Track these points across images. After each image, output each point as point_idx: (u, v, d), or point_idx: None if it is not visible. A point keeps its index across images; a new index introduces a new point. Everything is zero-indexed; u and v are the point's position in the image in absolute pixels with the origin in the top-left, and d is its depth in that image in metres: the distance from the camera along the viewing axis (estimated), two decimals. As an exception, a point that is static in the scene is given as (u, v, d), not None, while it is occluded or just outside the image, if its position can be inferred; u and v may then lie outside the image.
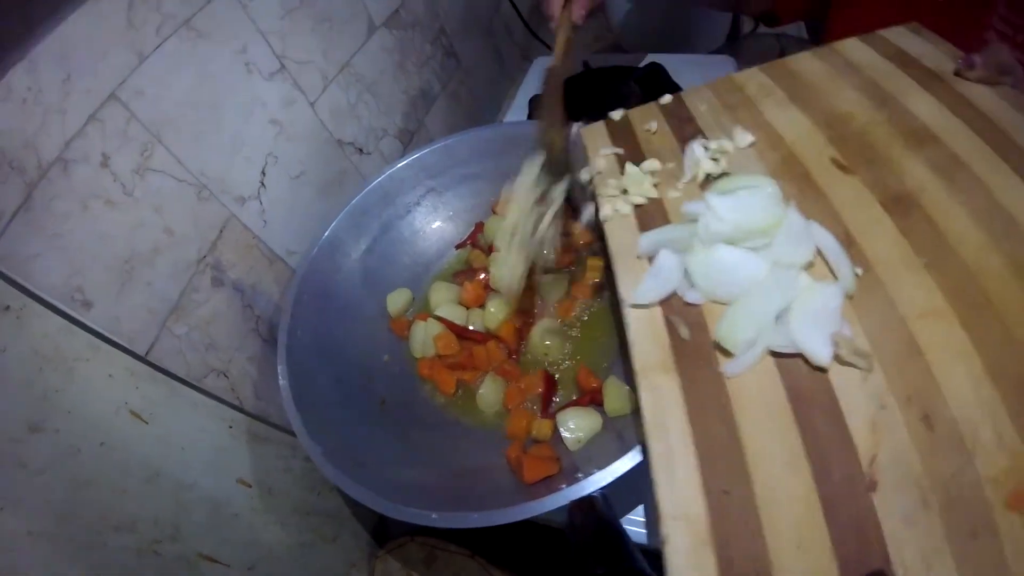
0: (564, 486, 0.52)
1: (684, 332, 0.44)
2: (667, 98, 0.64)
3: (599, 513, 0.49)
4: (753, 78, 0.60)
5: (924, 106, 0.50)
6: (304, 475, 0.77)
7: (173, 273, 0.61)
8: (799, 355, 0.40)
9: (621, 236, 0.52)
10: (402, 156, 0.82)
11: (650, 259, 0.48)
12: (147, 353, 0.57)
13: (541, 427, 0.65)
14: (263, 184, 0.72)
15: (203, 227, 0.64)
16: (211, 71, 0.64)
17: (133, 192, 0.56)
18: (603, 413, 0.64)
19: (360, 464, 0.61)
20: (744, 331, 0.41)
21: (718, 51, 1.20)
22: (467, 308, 0.78)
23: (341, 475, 0.57)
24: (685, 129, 0.58)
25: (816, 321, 0.40)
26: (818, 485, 0.35)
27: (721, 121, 0.57)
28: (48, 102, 0.49)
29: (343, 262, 0.79)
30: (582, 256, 0.79)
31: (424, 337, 0.75)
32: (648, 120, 0.61)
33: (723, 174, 0.53)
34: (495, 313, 0.74)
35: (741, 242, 0.45)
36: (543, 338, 0.72)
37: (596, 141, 0.62)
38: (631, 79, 0.99)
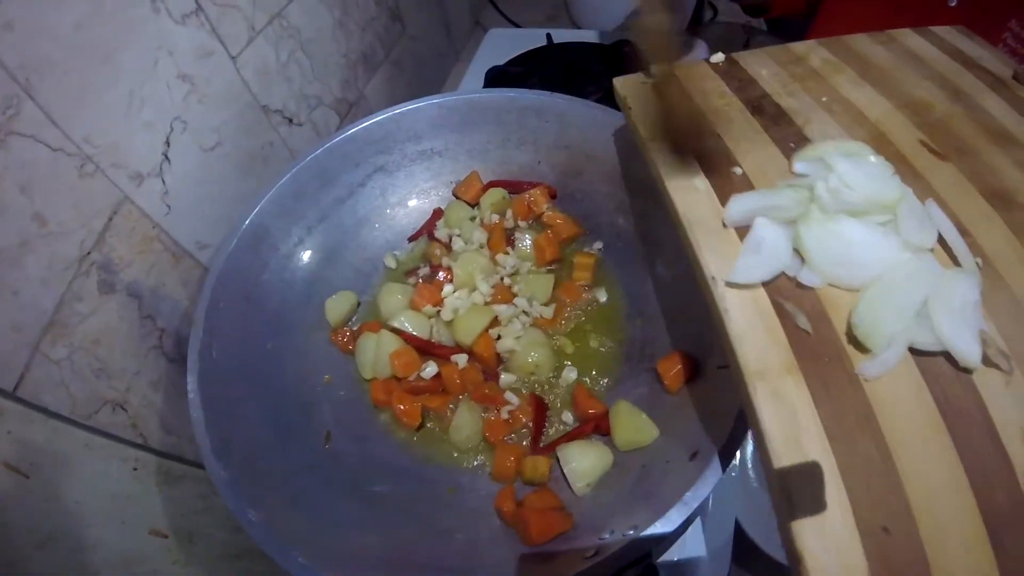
0: (593, 554, 0.42)
1: (803, 322, 0.37)
2: (719, 56, 0.58)
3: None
4: (814, 51, 0.56)
5: (996, 107, 0.49)
6: (228, 514, 0.65)
7: (47, 276, 0.49)
8: (940, 354, 0.35)
9: (695, 202, 0.44)
10: (343, 127, 0.70)
11: (738, 230, 0.42)
12: (16, 387, 0.46)
13: (535, 466, 0.54)
14: (167, 157, 0.60)
15: (87, 213, 0.53)
16: (105, 5, 0.51)
17: None
18: (611, 446, 0.55)
19: (310, 531, 0.49)
20: (887, 324, 0.35)
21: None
22: (430, 317, 0.66)
23: (288, 554, 0.45)
24: (749, 91, 0.53)
25: (962, 316, 0.35)
26: (982, 511, 0.31)
27: (790, 89, 0.52)
28: None
29: (270, 257, 0.65)
30: (567, 253, 0.70)
31: (376, 353, 0.63)
32: (703, 78, 0.55)
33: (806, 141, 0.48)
34: (468, 323, 0.62)
35: (865, 216, 0.40)
36: (529, 351, 0.61)
37: (639, 96, 0.55)
38: (599, 56, 0.94)
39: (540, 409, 0.59)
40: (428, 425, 0.61)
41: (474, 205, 0.74)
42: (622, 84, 0.57)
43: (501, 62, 0.94)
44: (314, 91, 0.80)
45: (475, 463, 0.58)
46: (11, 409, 0.46)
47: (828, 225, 0.40)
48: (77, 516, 0.51)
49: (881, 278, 0.38)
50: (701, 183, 0.45)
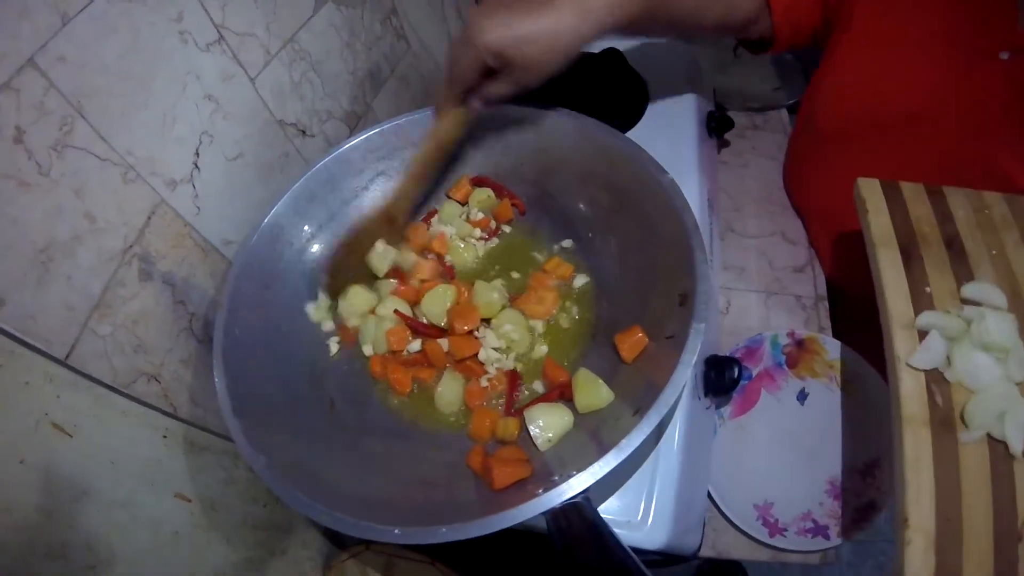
0: (540, 491, 0.49)
1: (939, 399, 0.59)
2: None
3: (587, 519, 0.47)
4: (998, 205, 0.70)
5: None
6: (249, 486, 0.72)
7: (95, 265, 0.55)
8: (1003, 442, 0.56)
9: (899, 303, 0.64)
10: (349, 137, 0.77)
11: (919, 332, 0.62)
12: (67, 356, 0.51)
13: (507, 426, 0.61)
14: (197, 166, 0.66)
15: (129, 213, 0.58)
16: (142, 39, 0.57)
17: (50, 172, 0.50)
18: (573, 409, 0.61)
19: (310, 476, 0.56)
20: (982, 416, 0.57)
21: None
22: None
23: (288, 489, 0.53)
24: (947, 227, 0.69)
25: (1020, 425, 0.55)
26: (995, 528, 0.52)
27: (974, 236, 0.68)
28: (-44, 68, 0.43)
29: (285, 251, 0.73)
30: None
31: (375, 333, 0.70)
32: (919, 203, 0.71)
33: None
34: (433, 302, 0.71)
35: (991, 351, 0.60)
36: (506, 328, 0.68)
37: (875, 199, 0.71)
38: (587, 65, 0.97)
39: (514, 379, 0.65)
40: (417, 393, 0.68)
41: (464, 204, 0.80)
42: (865, 186, 0.71)
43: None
44: (325, 106, 0.85)
45: (457, 425, 0.65)
46: (62, 375, 0.51)
47: (970, 351, 0.60)
48: (111, 476, 0.55)
49: (987, 390, 0.58)
50: (906, 293, 0.65)
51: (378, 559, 0.77)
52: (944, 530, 0.52)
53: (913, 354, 0.61)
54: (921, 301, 0.64)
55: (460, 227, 0.78)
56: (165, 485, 0.62)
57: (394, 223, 0.72)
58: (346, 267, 0.72)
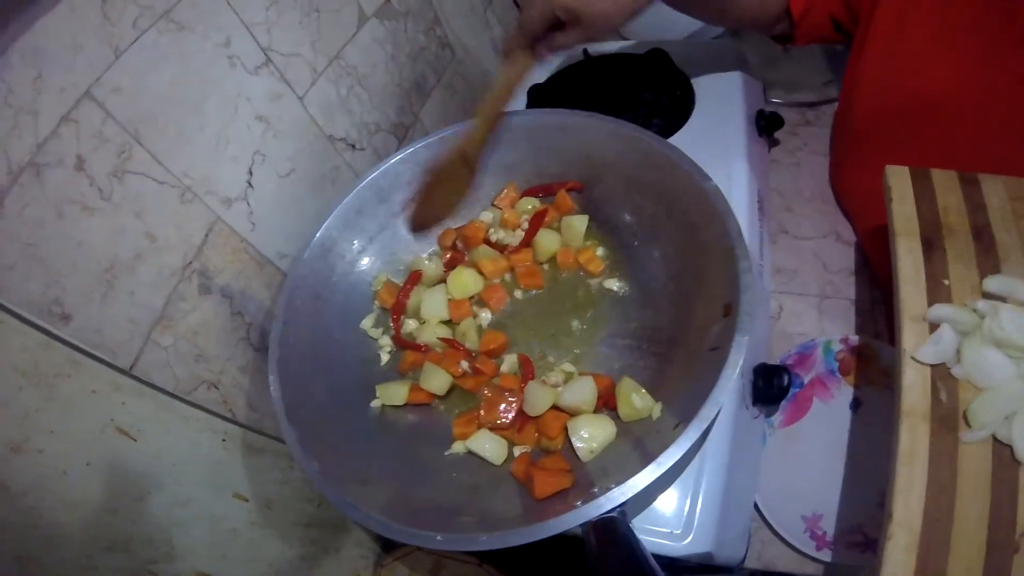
0: (579, 503, 0.49)
1: (943, 396, 0.56)
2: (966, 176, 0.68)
3: (620, 533, 0.47)
4: None
5: None
6: (303, 487, 0.75)
7: (157, 281, 0.58)
8: (1009, 446, 0.53)
9: (912, 294, 0.62)
10: (396, 150, 0.79)
11: (931, 325, 0.60)
12: (132, 367, 0.55)
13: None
14: (250, 184, 0.69)
15: (187, 231, 0.62)
16: (192, 66, 0.61)
17: (111, 196, 0.54)
18: (616, 418, 0.61)
19: (359, 481, 0.58)
20: (987, 415, 0.54)
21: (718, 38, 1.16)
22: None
23: (339, 494, 0.55)
24: (978, 217, 0.65)
25: None
26: (989, 535, 0.50)
27: (1007, 225, 0.64)
28: (19, 103, 0.47)
29: (337, 263, 0.75)
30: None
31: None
32: (949, 191, 0.67)
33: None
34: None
35: (1005, 348, 0.57)
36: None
37: (901, 187, 0.68)
38: (631, 66, 0.96)
39: None
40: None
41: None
42: (893, 174, 0.69)
43: (543, 79, 0.98)
44: (373, 119, 0.87)
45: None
46: (127, 384, 0.54)
47: (981, 347, 0.57)
48: (173, 476, 0.58)
49: (996, 389, 0.55)
50: (922, 284, 0.62)
51: (427, 559, 0.79)
52: (931, 531, 0.50)
53: (920, 347, 0.58)
54: (938, 293, 0.61)
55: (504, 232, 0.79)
56: (224, 485, 0.65)
57: (469, 162, 0.73)
58: (429, 206, 0.74)
